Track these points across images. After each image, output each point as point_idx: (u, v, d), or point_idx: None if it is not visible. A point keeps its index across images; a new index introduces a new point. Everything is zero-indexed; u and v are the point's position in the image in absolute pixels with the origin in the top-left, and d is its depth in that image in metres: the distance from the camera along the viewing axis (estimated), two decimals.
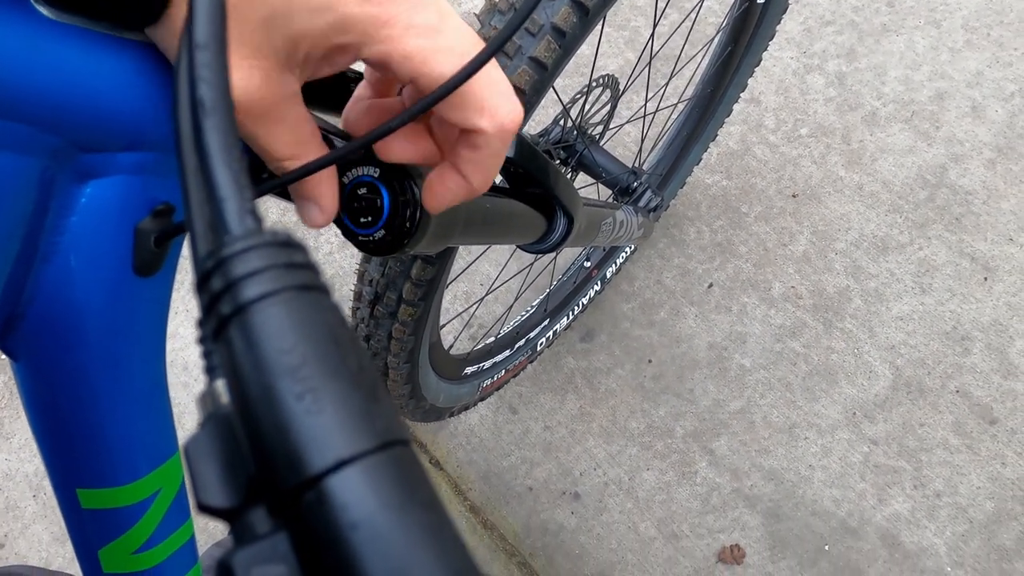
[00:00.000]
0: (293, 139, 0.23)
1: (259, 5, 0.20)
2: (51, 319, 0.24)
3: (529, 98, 0.45)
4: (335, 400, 0.12)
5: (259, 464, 0.12)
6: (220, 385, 0.14)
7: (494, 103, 0.24)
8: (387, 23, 0.22)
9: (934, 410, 0.98)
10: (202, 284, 0.13)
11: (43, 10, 0.20)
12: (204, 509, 0.13)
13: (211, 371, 0.14)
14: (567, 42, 0.45)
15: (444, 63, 0.23)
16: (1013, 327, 1.00)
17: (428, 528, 0.11)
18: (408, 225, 0.29)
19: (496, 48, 0.22)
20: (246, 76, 0.21)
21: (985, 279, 1.03)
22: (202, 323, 0.14)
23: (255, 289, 0.13)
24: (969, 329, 1.01)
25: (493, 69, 0.24)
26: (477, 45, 0.23)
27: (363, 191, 0.29)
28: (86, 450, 0.27)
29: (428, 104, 0.22)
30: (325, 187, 0.25)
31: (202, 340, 0.14)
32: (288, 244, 0.13)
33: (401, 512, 0.11)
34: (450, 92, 0.22)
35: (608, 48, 1.27)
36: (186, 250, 0.24)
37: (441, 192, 0.27)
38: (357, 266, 0.57)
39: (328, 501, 0.11)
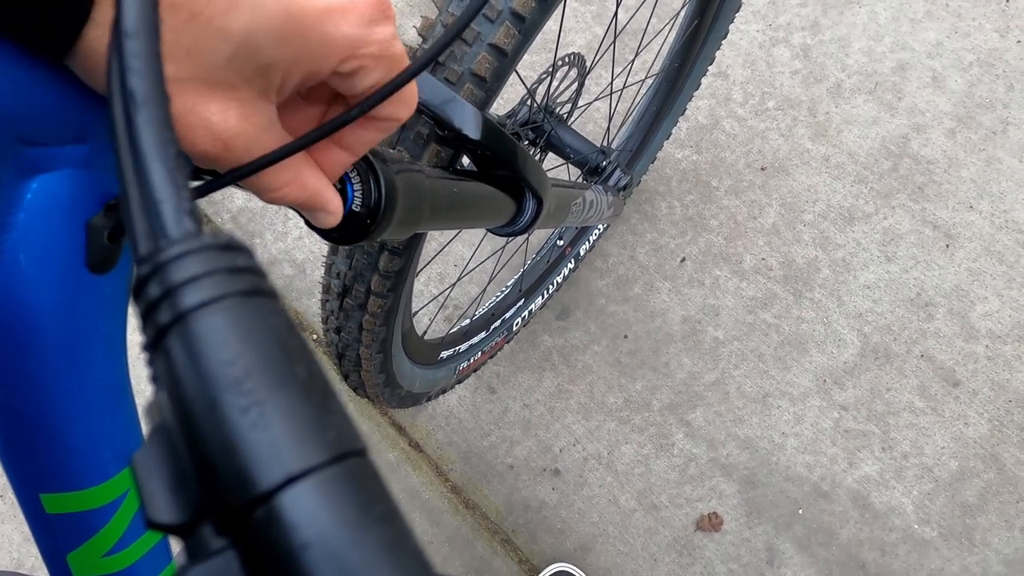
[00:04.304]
0: (283, 166, 0.23)
1: (220, 45, 0.19)
2: (3, 320, 0.23)
3: (490, 85, 0.45)
4: (282, 412, 0.11)
5: (204, 482, 0.11)
6: (166, 396, 0.13)
7: (411, 93, 0.25)
8: (365, 42, 0.21)
9: (900, 375, 1.01)
10: (139, 291, 0.13)
11: None
12: (154, 526, 0.12)
13: (157, 380, 0.13)
14: (527, 27, 0.44)
15: (399, 66, 0.23)
16: (974, 292, 1.03)
17: (385, 543, 0.11)
18: (374, 212, 0.29)
19: (446, 45, 0.22)
20: (221, 111, 0.20)
21: (947, 246, 1.06)
22: (143, 331, 0.13)
23: (195, 296, 0.12)
24: (932, 295, 1.04)
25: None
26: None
27: None
28: (48, 454, 0.26)
29: (384, 95, 0.23)
30: (330, 194, 0.25)
31: (145, 348, 0.14)
32: (230, 247, 0.13)
33: (356, 528, 0.11)
34: (402, 84, 0.22)
35: (575, 23, 1.26)
36: None
37: (327, 167, 0.26)
38: (325, 254, 0.56)
39: (278, 520, 0.11)
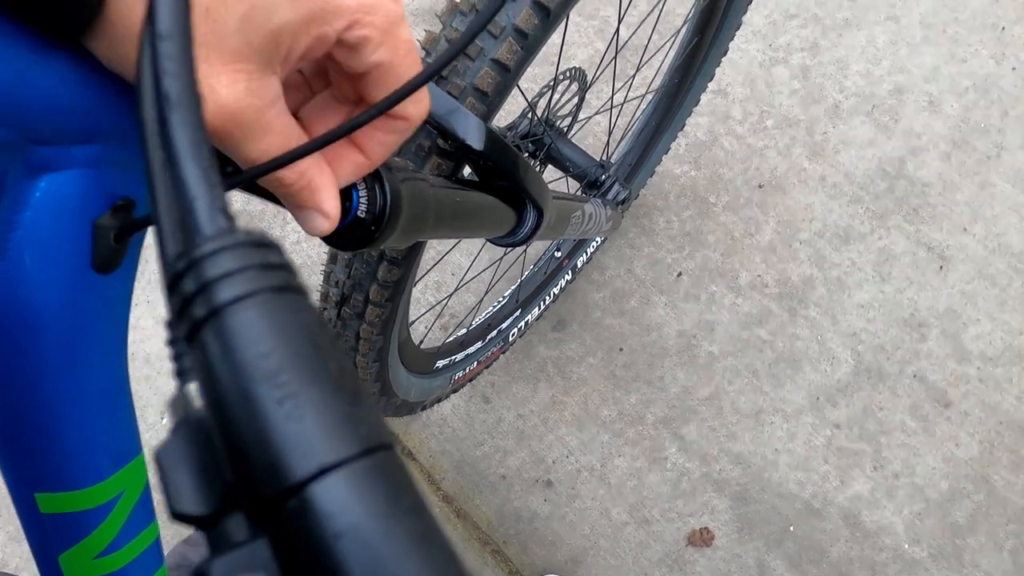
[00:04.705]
0: (284, 145, 0.22)
1: (236, 5, 0.19)
2: (6, 318, 0.23)
3: (492, 99, 0.45)
4: (316, 405, 0.12)
5: (237, 472, 0.12)
6: (192, 389, 0.13)
7: (423, 95, 0.24)
8: (372, 9, 0.21)
9: (893, 394, 1.02)
10: (173, 286, 0.13)
11: None
12: (178, 517, 0.12)
13: (182, 375, 0.13)
14: (529, 43, 0.45)
15: (407, 54, 0.23)
16: (966, 314, 1.04)
17: (415, 535, 0.11)
18: (379, 219, 0.29)
19: (459, 51, 0.22)
20: (229, 83, 0.20)
21: (941, 268, 1.07)
22: (172, 326, 0.13)
23: (230, 291, 0.12)
24: (926, 316, 1.05)
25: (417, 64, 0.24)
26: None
27: None
28: (45, 453, 0.26)
29: (401, 96, 0.23)
30: (327, 193, 0.24)
31: (172, 343, 0.14)
32: (263, 244, 0.13)
33: (387, 519, 0.11)
34: (418, 86, 0.22)
35: (578, 38, 1.27)
36: (148, 242, 0.23)
37: (343, 169, 0.25)
38: (324, 259, 0.56)
39: (311, 510, 0.11)
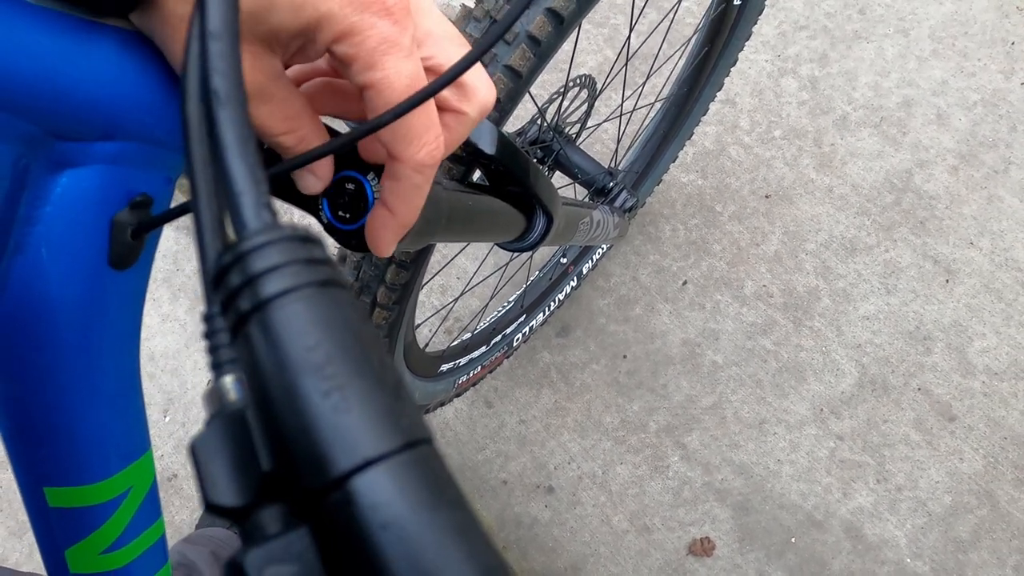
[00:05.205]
0: (285, 114, 0.23)
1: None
2: (21, 312, 0.23)
3: (504, 105, 0.45)
4: (361, 398, 0.12)
5: (280, 463, 0.12)
6: (227, 382, 0.13)
7: (419, 138, 0.24)
8: (363, 30, 0.22)
9: (897, 407, 1.01)
10: (219, 280, 0.13)
11: None
12: (213, 509, 0.12)
13: (217, 367, 0.13)
14: (542, 50, 0.45)
15: (400, 89, 0.23)
16: (972, 328, 1.04)
17: (457, 527, 0.11)
18: None
19: (447, 82, 0.22)
20: None
21: (947, 281, 1.06)
22: (211, 319, 0.14)
23: (277, 284, 0.12)
24: (931, 329, 1.04)
25: (429, 104, 0.24)
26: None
27: (349, 186, 0.29)
28: (55, 448, 0.26)
29: (394, 116, 0.22)
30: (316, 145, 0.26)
31: (209, 335, 0.14)
32: (307, 239, 0.13)
33: (430, 511, 0.11)
34: (395, 117, 0.22)
35: (588, 45, 1.27)
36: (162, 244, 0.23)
37: (378, 233, 0.27)
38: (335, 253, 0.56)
39: (356, 501, 0.11)
